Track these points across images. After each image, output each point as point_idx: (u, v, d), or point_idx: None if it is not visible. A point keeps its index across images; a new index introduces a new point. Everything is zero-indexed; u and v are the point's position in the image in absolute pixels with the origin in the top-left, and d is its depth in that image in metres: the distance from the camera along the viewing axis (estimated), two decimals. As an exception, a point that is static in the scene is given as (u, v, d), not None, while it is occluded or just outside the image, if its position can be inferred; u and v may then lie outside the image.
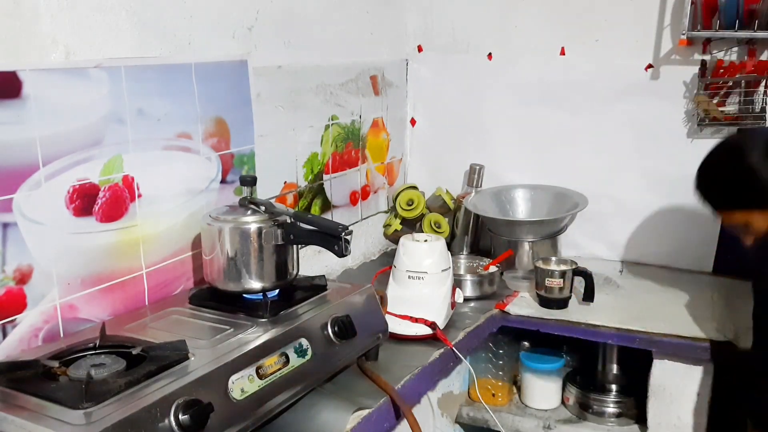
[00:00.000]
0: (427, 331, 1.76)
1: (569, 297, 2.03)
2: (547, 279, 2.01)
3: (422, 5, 2.56)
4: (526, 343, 2.17)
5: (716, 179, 1.61)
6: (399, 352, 1.70)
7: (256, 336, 1.33)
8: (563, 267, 2.02)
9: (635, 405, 1.98)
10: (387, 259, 2.39)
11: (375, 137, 2.45)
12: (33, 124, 1.30)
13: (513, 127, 2.51)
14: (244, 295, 1.52)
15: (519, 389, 2.13)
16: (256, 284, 1.50)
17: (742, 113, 2.14)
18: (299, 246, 1.60)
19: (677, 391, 1.86)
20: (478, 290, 2.10)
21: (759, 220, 1.54)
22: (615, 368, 2.13)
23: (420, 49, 2.61)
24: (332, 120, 2.19)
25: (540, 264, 2.04)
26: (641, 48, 2.28)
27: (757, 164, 1.49)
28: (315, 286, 1.60)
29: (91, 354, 1.25)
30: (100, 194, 1.45)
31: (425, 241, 1.86)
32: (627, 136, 2.36)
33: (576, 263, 2.05)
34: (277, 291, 1.55)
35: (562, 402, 2.09)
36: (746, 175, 1.51)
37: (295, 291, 1.57)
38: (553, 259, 2.09)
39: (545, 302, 2.03)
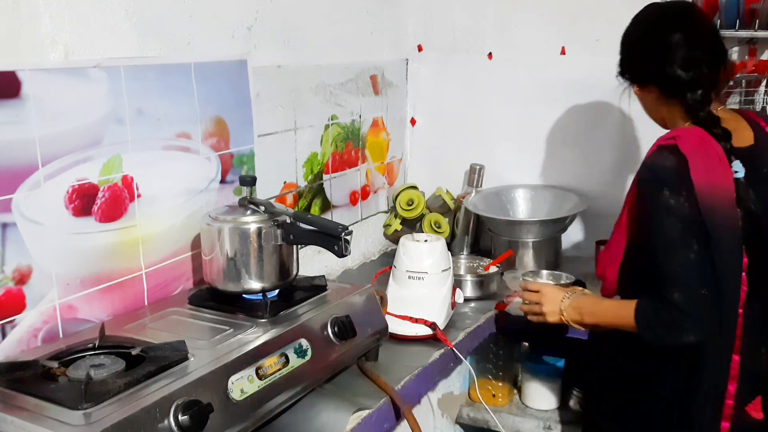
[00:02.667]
0: (428, 331, 1.76)
1: None
2: None
3: (422, 5, 2.56)
4: (526, 343, 2.17)
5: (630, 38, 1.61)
6: (399, 352, 1.69)
7: (256, 336, 1.33)
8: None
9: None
10: (387, 259, 2.39)
11: (375, 137, 2.45)
12: (32, 124, 1.30)
13: (513, 127, 2.50)
14: (244, 296, 1.51)
15: (519, 390, 2.13)
16: (255, 284, 1.50)
17: (743, 113, 2.14)
18: (299, 246, 1.60)
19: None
20: (478, 290, 2.10)
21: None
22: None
23: (420, 49, 2.61)
24: (332, 120, 2.19)
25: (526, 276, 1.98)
26: (642, 48, 2.27)
27: (647, 42, 1.52)
28: (315, 287, 1.60)
29: (91, 354, 1.25)
30: (100, 194, 1.44)
31: (425, 241, 1.86)
32: (628, 135, 2.36)
33: (570, 277, 1.97)
34: (276, 291, 1.54)
35: (563, 402, 2.08)
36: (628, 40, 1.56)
37: (294, 291, 1.57)
38: (545, 273, 2.04)
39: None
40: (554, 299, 1.62)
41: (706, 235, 1.37)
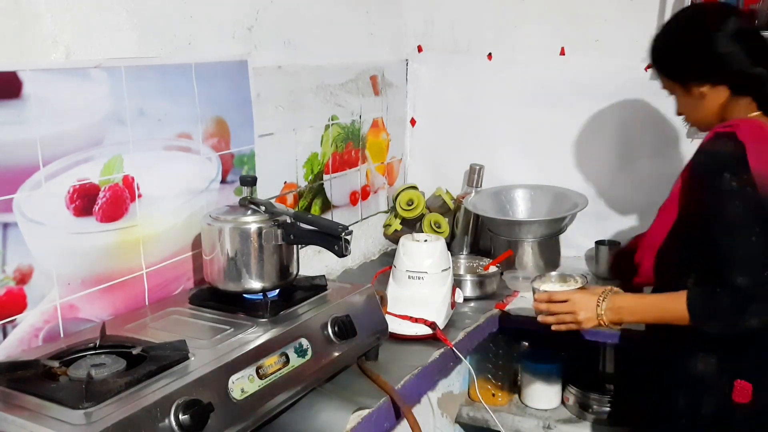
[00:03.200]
0: (427, 331, 1.76)
1: None
2: None
3: (422, 5, 2.56)
4: (526, 343, 2.17)
5: (669, 39, 1.59)
6: (399, 352, 1.70)
7: (256, 336, 1.33)
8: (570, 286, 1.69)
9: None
10: (387, 259, 2.39)
11: (375, 137, 2.45)
12: (33, 124, 1.30)
13: (513, 127, 2.50)
14: (244, 295, 1.52)
15: (519, 389, 2.13)
16: (256, 284, 1.50)
17: (742, 113, 2.14)
18: (299, 246, 1.60)
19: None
20: (478, 290, 2.10)
21: (680, 96, 1.58)
22: (615, 368, 2.13)
23: (420, 49, 2.61)
24: (332, 120, 2.19)
25: (536, 285, 1.70)
26: (641, 48, 2.25)
27: (720, 44, 1.47)
28: (315, 286, 1.60)
29: (92, 354, 1.25)
30: (101, 194, 1.45)
31: (425, 241, 1.86)
32: (627, 135, 2.36)
33: (585, 278, 1.71)
34: (277, 291, 1.55)
35: (562, 402, 2.09)
36: (697, 47, 1.50)
37: (295, 291, 1.57)
38: (553, 275, 1.76)
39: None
40: (589, 305, 1.53)
41: (766, 219, 1.36)
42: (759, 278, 1.34)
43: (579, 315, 1.54)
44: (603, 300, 1.53)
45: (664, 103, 2.25)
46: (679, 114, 1.65)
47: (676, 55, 1.57)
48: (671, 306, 1.43)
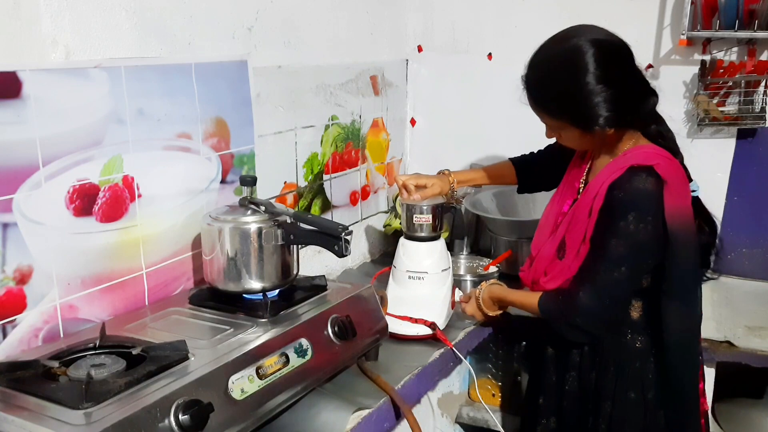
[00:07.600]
0: (427, 331, 1.76)
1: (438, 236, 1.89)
2: (415, 216, 1.84)
3: (422, 5, 2.57)
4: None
5: (546, 83, 1.61)
6: (399, 352, 1.70)
7: (256, 336, 1.33)
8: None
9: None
10: (387, 259, 2.38)
11: (375, 137, 2.45)
12: (33, 124, 1.30)
13: (513, 127, 2.50)
14: (244, 295, 1.52)
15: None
16: (256, 284, 1.50)
17: (742, 113, 2.14)
18: (299, 246, 1.60)
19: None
20: (478, 290, 2.10)
21: (568, 133, 1.57)
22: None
23: (420, 49, 2.61)
24: (332, 120, 2.19)
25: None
26: (641, 48, 2.27)
27: (591, 87, 1.47)
28: (315, 286, 1.60)
29: (91, 354, 1.25)
30: (100, 194, 1.45)
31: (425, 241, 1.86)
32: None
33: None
34: (277, 291, 1.55)
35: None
36: (577, 93, 1.49)
37: (295, 291, 1.57)
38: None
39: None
40: (471, 301, 1.84)
41: (659, 256, 1.46)
42: (597, 305, 1.49)
43: (467, 309, 1.84)
44: (480, 292, 1.81)
45: (667, 103, 2.26)
46: (551, 137, 1.66)
47: (584, 108, 1.49)
48: (529, 302, 1.64)
